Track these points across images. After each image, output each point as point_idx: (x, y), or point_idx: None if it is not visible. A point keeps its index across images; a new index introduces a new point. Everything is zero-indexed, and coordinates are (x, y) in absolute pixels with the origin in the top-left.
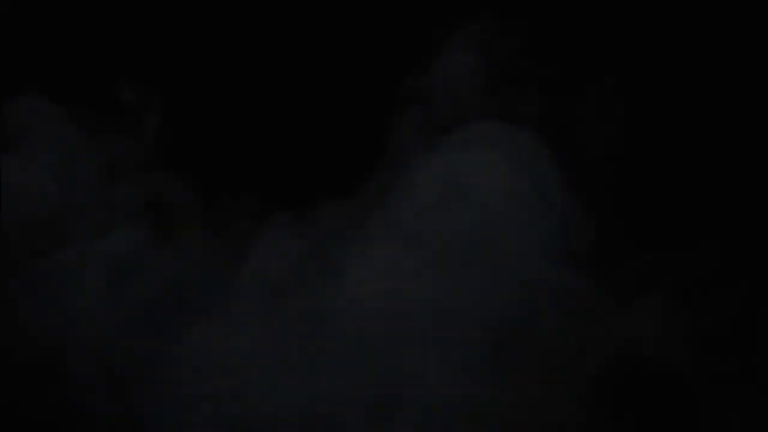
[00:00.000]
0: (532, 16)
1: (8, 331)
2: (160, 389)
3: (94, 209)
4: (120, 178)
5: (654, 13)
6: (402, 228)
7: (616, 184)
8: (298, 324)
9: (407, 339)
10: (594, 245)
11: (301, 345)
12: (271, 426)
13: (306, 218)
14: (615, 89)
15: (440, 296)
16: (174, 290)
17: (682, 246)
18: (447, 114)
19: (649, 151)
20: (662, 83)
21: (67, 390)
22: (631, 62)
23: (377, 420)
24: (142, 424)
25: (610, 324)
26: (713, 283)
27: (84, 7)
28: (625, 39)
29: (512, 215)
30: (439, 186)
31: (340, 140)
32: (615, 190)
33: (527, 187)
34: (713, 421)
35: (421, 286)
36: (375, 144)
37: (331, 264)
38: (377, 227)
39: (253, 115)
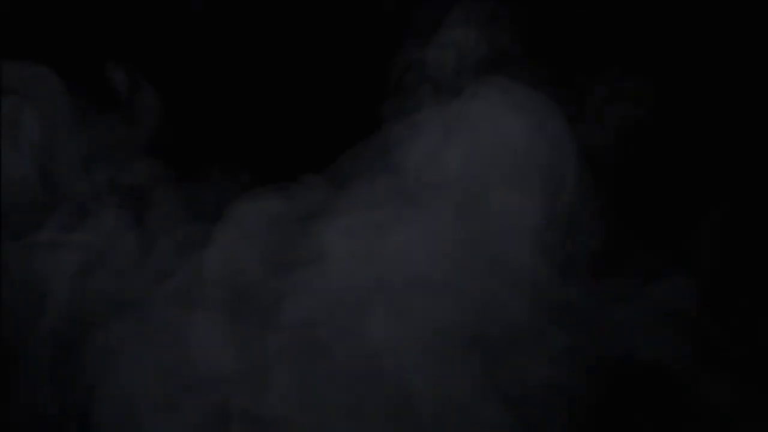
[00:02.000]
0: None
1: None
2: (118, 377)
3: (74, 192)
4: (103, 162)
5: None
6: (390, 200)
7: (617, 182)
8: (270, 307)
9: (384, 321)
10: (594, 243)
11: (271, 330)
12: (229, 416)
13: (289, 189)
14: (618, 81)
15: (425, 274)
16: (151, 275)
17: (683, 245)
18: (446, 88)
19: (651, 149)
20: (668, 77)
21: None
22: (637, 55)
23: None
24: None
25: (608, 324)
26: (713, 283)
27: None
28: (630, 32)
29: (515, 201)
30: (439, 155)
31: (332, 116)
32: (616, 188)
33: (539, 166)
34: (713, 421)
35: (405, 264)
36: (370, 120)
37: (311, 235)
38: (363, 201)
39: (245, 94)
